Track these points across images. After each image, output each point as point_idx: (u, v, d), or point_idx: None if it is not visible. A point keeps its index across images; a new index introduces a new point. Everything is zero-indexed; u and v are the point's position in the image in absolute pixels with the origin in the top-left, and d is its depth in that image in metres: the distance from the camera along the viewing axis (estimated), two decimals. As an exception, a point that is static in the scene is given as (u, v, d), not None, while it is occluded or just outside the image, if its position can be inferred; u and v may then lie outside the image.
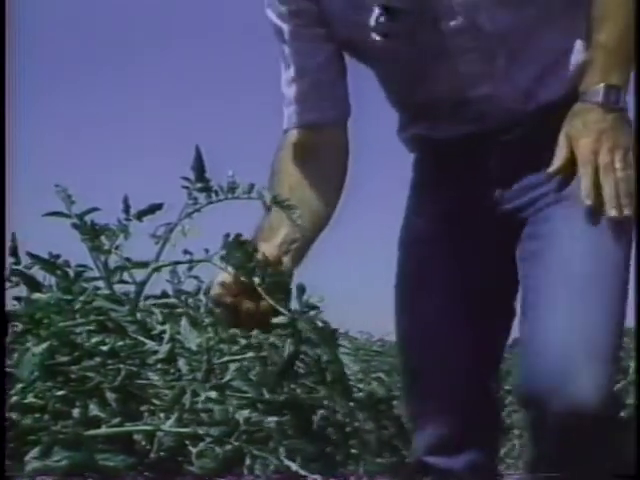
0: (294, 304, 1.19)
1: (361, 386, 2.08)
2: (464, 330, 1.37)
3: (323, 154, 1.36)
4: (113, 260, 1.25)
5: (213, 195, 1.27)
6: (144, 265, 1.27)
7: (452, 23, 1.29)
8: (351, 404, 1.50)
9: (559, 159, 1.22)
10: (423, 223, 1.43)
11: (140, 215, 1.27)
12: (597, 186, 1.18)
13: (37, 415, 0.82)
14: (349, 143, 1.39)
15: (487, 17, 1.28)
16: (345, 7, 1.29)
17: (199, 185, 1.25)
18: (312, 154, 1.37)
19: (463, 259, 1.37)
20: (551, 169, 1.21)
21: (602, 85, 1.19)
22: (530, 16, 1.29)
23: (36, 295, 1.14)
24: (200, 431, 0.78)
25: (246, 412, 0.94)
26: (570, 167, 1.23)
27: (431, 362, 1.40)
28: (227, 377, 1.02)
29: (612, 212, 1.17)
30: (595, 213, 1.19)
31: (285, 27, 1.36)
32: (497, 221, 1.33)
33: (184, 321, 1.07)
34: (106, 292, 1.27)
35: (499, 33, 1.29)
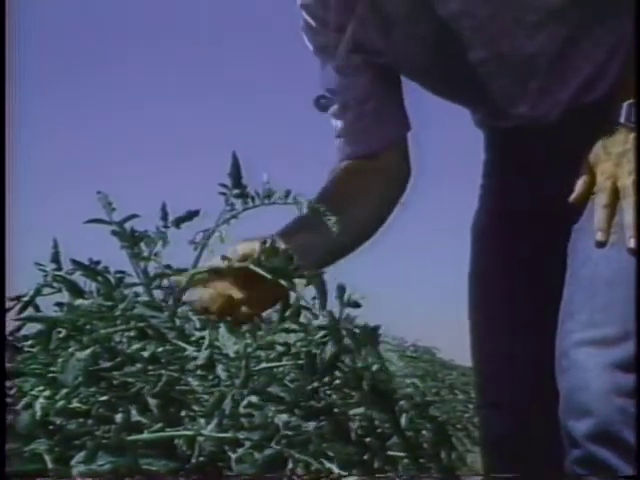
0: (332, 304, 1.20)
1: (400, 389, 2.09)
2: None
3: (373, 176, 1.35)
4: (152, 267, 1.28)
5: (250, 201, 1.28)
6: (183, 272, 1.29)
7: (474, 55, 1.29)
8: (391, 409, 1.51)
9: (579, 186, 1.18)
10: (488, 214, 1.42)
11: (178, 222, 1.29)
12: (611, 218, 1.14)
13: (81, 420, 0.84)
14: (408, 159, 1.37)
15: (511, 46, 1.27)
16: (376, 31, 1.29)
17: (236, 191, 1.26)
18: (362, 176, 1.37)
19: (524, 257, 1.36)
20: (571, 198, 1.18)
21: (625, 103, 1.16)
22: (560, 36, 1.27)
23: (79, 301, 1.16)
24: (240, 436, 0.80)
25: (285, 416, 0.95)
26: (590, 193, 1.20)
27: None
28: (265, 383, 1.03)
29: (630, 242, 1.12)
30: (603, 244, 1.15)
31: (320, 60, 1.37)
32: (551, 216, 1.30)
33: (222, 328, 1.08)
34: (146, 299, 1.29)
35: (528, 58, 1.27)
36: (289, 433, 0.89)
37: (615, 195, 1.14)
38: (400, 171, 1.44)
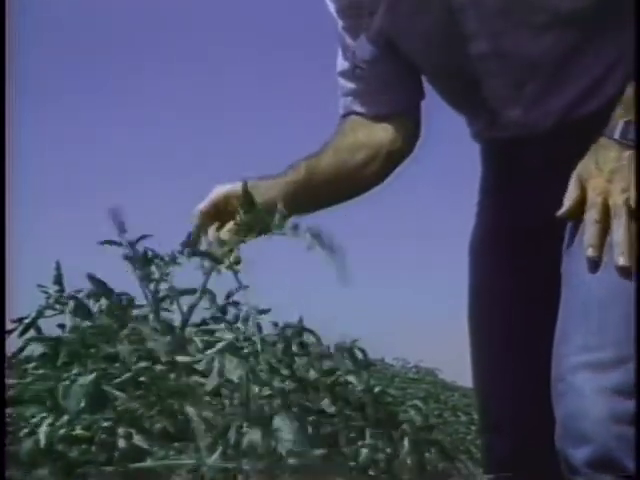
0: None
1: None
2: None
3: (380, 131, 1.34)
4: (162, 288, 1.28)
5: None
6: (191, 292, 1.28)
7: (476, 48, 1.28)
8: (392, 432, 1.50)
9: (568, 200, 1.15)
10: (485, 231, 1.41)
11: (191, 254, 1.29)
12: (602, 234, 1.12)
13: (84, 447, 0.83)
14: (415, 131, 1.35)
15: (513, 44, 1.26)
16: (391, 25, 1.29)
17: (246, 219, 1.26)
18: (368, 128, 1.35)
19: (521, 271, 1.34)
20: (560, 212, 1.16)
21: (622, 121, 1.14)
22: (563, 43, 1.26)
23: (85, 322, 1.16)
24: (245, 465, 0.79)
25: (288, 443, 0.94)
26: (581, 209, 1.17)
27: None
28: (268, 412, 1.02)
29: (620, 260, 1.10)
30: (596, 265, 1.11)
31: (340, 22, 1.36)
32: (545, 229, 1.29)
33: (227, 356, 1.07)
34: (152, 321, 1.28)
35: (528, 60, 1.26)
36: (294, 462, 0.88)
37: (606, 212, 1.12)
38: (408, 134, 1.43)
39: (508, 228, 1.40)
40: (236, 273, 1.19)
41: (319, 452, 0.93)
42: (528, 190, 1.37)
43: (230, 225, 1.24)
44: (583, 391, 1.14)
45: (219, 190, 1.25)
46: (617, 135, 1.15)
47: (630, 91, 1.19)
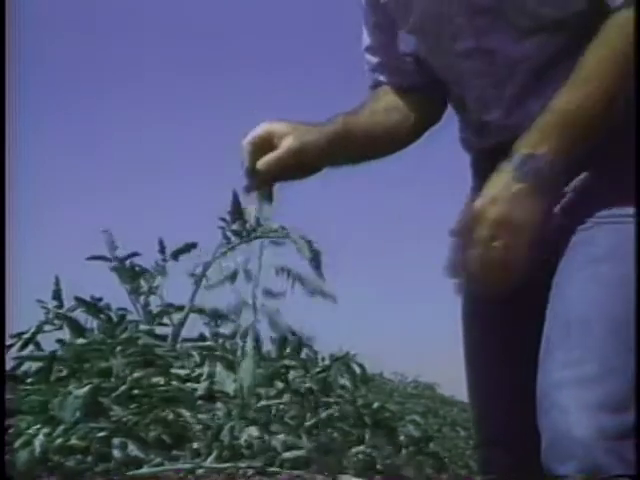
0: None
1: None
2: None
3: (406, 99, 1.35)
4: (152, 300, 1.29)
5: (246, 235, 1.29)
6: (182, 309, 1.29)
7: (463, 45, 1.30)
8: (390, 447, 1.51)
9: (457, 221, 1.14)
10: None
11: (176, 254, 1.31)
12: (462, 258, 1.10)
13: (80, 456, 0.84)
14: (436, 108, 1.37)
15: (499, 42, 1.27)
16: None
17: (235, 227, 1.27)
18: (394, 96, 1.37)
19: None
20: (450, 230, 1.15)
21: (520, 152, 1.12)
22: (546, 49, 1.27)
23: (79, 339, 1.17)
24: (242, 464, 0.80)
25: (281, 436, 0.95)
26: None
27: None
28: (265, 420, 1.03)
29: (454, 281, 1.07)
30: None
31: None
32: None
33: (219, 367, 1.09)
34: (146, 327, 1.29)
35: (513, 60, 1.27)
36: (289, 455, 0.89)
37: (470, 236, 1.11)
38: (435, 104, 1.43)
39: None
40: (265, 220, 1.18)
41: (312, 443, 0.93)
42: None
43: (267, 157, 1.25)
44: (567, 408, 1.14)
45: (264, 125, 1.26)
46: (512, 165, 1.14)
47: (542, 121, 1.17)
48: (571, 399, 1.09)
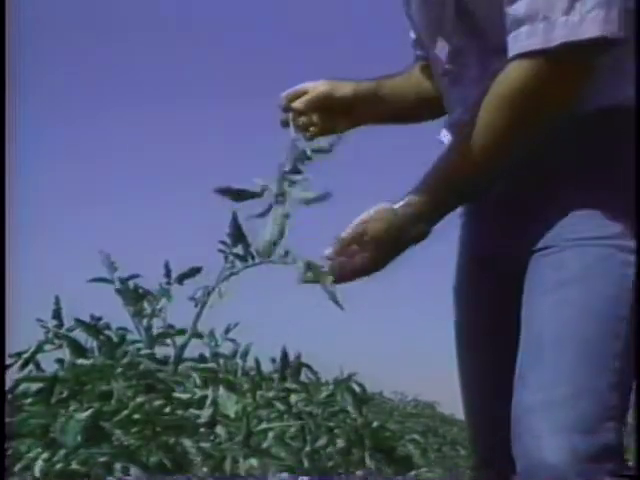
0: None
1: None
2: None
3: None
4: (155, 322, 1.29)
5: (249, 259, 1.29)
6: (183, 332, 1.29)
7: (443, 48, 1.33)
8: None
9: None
10: (461, 267, 1.43)
11: (181, 278, 1.31)
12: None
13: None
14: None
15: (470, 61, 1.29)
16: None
17: (236, 251, 1.27)
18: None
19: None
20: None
21: (401, 205, 1.17)
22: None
23: (80, 360, 1.16)
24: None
25: (285, 475, 0.95)
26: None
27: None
28: (266, 444, 1.02)
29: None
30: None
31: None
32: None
33: (221, 390, 1.08)
34: (148, 351, 1.29)
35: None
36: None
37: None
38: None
39: (481, 261, 1.42)
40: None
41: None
42: (489, 222, 1.39)
43: (301, 98, 1.32)
44: (540, 432, 1.14)
45: (305, 84, 1.34)
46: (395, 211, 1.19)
47: (425, 182, 1.22)
48: (543, 423, 1.09)
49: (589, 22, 1.03)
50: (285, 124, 1.26)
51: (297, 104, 1.28)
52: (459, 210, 1.45)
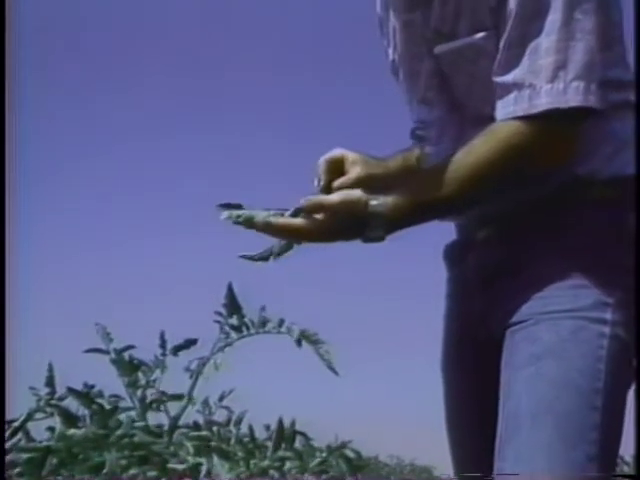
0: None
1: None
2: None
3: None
4: (149, 393, 1.28)
5: (244, 329, 1.30)
6: (179, 398, 1.29)
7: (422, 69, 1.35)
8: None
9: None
10: (446, 342, 1.44)
11: (176, 350, 1.31)
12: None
13: None
14: None
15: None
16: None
17: (231, 321, 1.28)
18: None
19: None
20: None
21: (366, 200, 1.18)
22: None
23: (72, 431, 1.15)
24: None
25: None
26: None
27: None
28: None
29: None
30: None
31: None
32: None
33: (215, 458, 1.07)
34: (142, 424, 1.28)
35: (451, 99, 1.32)
36: None
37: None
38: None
39: (465, 337, 1.44)
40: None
41: None
42: (469, 296, 1.41)
43: (341, 179, 1.31)
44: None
45: (339, 150, 1.33)
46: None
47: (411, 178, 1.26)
48: None
49: (572, 91, 1.07)
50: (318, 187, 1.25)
51: (338, 184, 1.27)
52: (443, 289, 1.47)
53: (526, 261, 1.22)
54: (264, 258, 1.07)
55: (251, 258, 1.06)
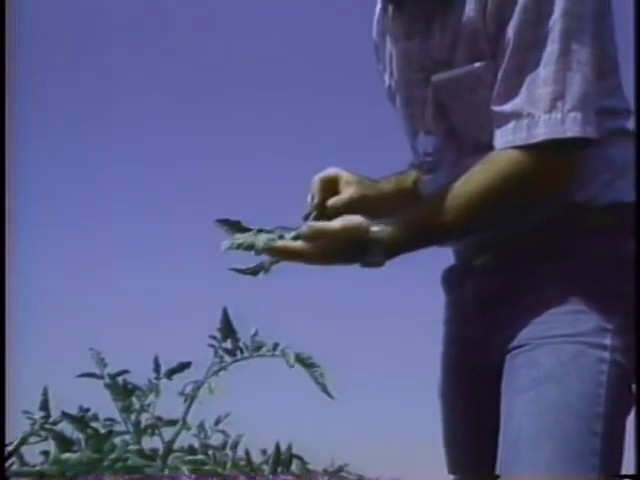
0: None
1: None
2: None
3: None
4: (143, 417, 1.28)
5: (239, 353, 1.30)
6: (174, 423, 1.28)
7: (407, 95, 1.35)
8: None
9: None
10: (443, 367, 1.44)
11: (170, 374, 1.31)
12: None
13: None
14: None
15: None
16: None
17: (225, 345, 1.29)
18: None
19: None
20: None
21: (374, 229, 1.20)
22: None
23: (66, 455, 1.15)
24: None
25: None
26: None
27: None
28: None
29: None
30: None
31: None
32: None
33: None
34: (136, 447, 1.27)
35: (449, 127, 1.32)
36: None
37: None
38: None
39: (463, 362, 1.43)
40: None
41: None
42: (468, 320, 1.41)
43: (335, 199, 1.31)
44: None
45: (334, 169, 1.34)
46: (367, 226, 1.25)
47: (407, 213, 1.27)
48: None
49: (570, 122, 1.08)
50: (307, 219, 1.26)
51: (330, 206, 1.28)
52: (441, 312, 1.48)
53: (525, 287, 1.22)
54: (254, 272, 1.07)
55: (242, 271, 1.06)
